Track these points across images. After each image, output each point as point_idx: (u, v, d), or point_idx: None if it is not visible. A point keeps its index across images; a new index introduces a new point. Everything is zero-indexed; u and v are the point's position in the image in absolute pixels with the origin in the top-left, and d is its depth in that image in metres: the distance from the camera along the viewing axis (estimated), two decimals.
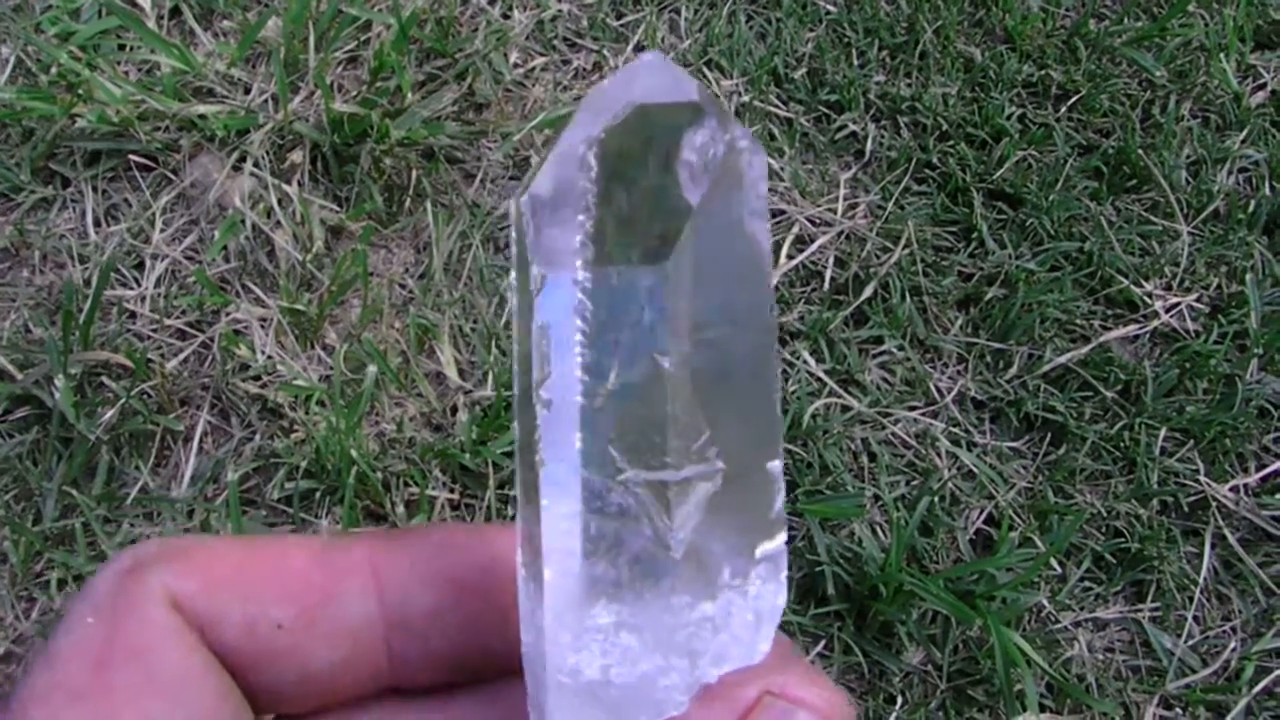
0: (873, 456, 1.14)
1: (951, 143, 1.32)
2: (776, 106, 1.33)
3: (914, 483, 1.14)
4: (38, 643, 1.00)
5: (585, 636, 0.29)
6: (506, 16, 1.35)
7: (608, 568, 0.29)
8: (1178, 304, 1.26)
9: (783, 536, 0.30)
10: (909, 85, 1.36)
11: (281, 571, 0.31)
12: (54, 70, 1.23)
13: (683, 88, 0.31)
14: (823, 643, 1.06)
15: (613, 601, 0.29)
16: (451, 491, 1.07)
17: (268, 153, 1.21)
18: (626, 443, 0.29)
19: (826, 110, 1.34)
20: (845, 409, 1.16)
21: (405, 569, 0.31)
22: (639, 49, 1.35)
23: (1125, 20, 1.44)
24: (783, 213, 1.26)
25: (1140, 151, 1.33)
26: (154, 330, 1.14)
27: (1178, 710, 1.08)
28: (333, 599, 0.31)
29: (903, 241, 1.24)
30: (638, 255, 0.29)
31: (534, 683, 0.30)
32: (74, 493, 1.05)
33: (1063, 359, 1.20)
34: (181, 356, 1.13)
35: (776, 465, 0.30)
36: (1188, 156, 1.36)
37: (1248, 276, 1.27)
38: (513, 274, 0.30)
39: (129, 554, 0.31)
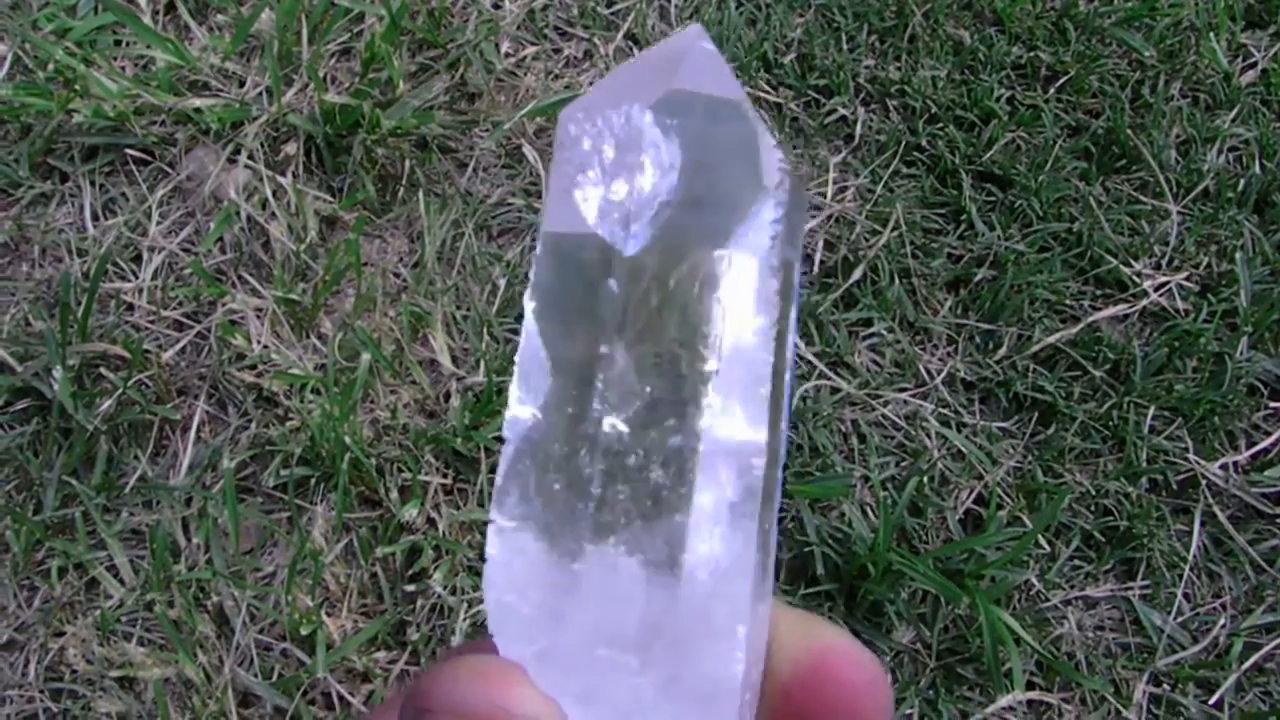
0: (862, 438, 1.15)
1: (940, 125, 1.33)
2: (766, 92, 1.34)
3: (903, 464, 1.15)
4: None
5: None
6: (497, 6, 1.36)
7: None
8: (1167, 283, 1.27)
9: None
10: (898, 69, 1.36)
11: None
12: (51, 66, 1.24)
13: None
14: None
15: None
16: (444, 476, 1.08)
17: (262, 145, 1.23)
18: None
19: (816, 95, 1.35)
20: (835, 391, 1.17)
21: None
22: (629, 37, 1.36)
23: (1115, 1, 1.44)
24: None
25: (1130, 131, 1.33)
26: (151, 321, 1.15)
27: (1167, 686, 1.09)
28: None
29: (891, 224, 1.25)
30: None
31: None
32: (74, 482, 1.06)
33: (1052, 339, 1.21)
34: (178, 346, 1.14)
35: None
36: (1177, 136, 1.36)
37: (1237, 255, 1.28)
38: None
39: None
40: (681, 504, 0.30)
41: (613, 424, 0.31)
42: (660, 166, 0.31)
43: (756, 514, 0.30)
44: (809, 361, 1.18)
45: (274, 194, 1.20)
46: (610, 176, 0.31)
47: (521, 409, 0.31)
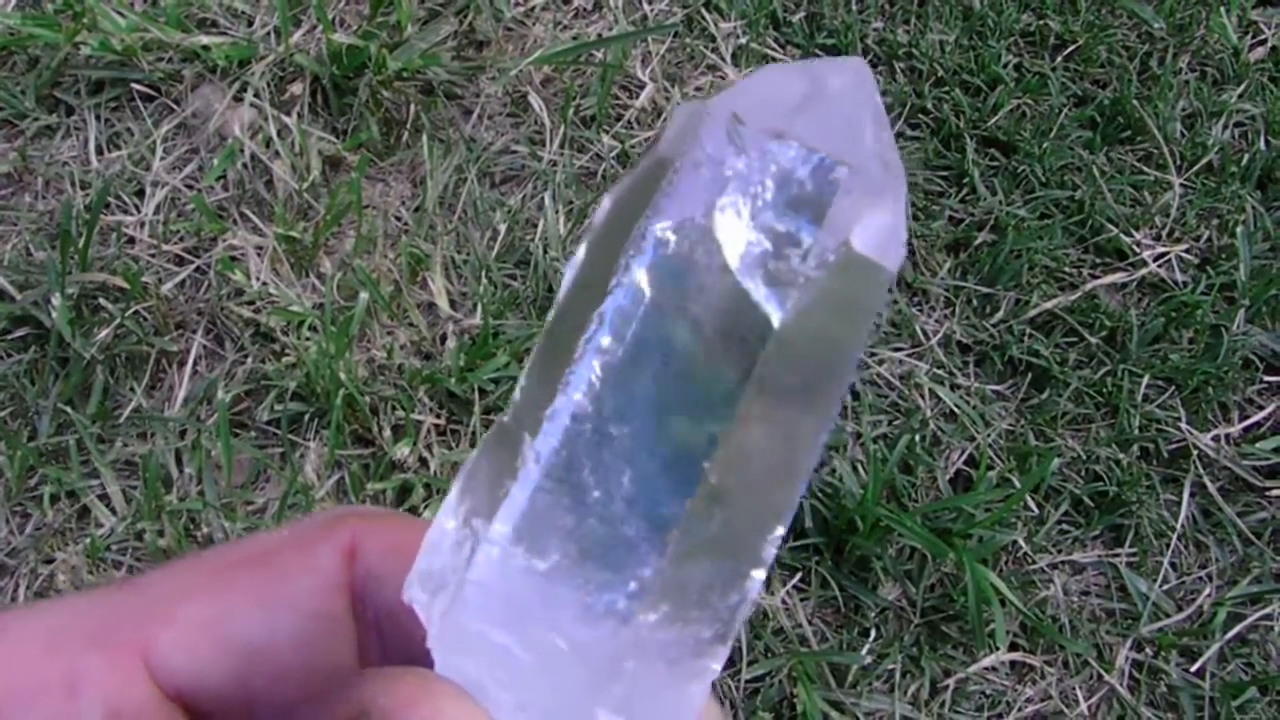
0: (856, 395, 1.16)
1: (946, 89, 1.33)
2: (774, 50, 1.34)
3: (896, 422, 1.15)
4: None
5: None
6: None
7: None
8: (1166, 254, 1.27)
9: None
10: (906, 31, 1.36)
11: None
12: None
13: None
14: (799, 575, 1.08)
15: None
16: (438, 417, 1.09)
17: (268, 84, 1.23)
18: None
19: (824, 54, 1.35)
20: None
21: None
22: None
23: None
24: None
25: (1136, 103, 1.33)
26: (152, 255, 1.16)
27: (1149, 653, 1.10)
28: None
29: None
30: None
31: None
32: (69, 411, 1.07)
33: (1049, 305, 1.21)
34: (178, 280, 1.15)
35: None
36: (1183, 109, 1.36)
37: (1238, 229, 1.28)
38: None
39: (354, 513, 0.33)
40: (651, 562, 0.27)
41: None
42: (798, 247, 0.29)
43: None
44: None
45: (278, 133, 1.20)
46: (762, 224, 0.29)
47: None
